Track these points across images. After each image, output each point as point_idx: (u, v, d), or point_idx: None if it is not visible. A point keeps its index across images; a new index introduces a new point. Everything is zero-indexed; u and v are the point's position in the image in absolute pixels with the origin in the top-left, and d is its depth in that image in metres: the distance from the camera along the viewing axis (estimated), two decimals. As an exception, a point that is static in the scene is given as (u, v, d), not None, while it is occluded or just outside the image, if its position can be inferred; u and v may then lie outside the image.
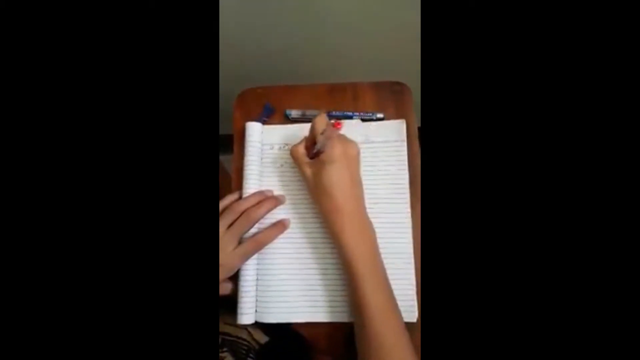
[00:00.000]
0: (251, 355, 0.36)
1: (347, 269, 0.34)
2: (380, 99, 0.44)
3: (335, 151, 0.34)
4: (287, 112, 0.44)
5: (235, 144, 0.43)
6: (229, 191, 0.42)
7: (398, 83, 0.44)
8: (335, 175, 0.34)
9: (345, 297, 0.37)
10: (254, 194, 0.40)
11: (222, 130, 0.45)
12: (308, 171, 0.36)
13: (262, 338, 0.37)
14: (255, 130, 0.42)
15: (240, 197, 0.40)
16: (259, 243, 0.37)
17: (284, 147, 0.43)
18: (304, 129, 0.43)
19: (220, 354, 0.35)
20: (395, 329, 0.31)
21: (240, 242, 0.37)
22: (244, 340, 0.36)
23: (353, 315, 0.34)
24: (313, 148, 0.37)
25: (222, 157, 0.45)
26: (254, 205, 0.38)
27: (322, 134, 0.35)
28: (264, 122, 0.43)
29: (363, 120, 0.43)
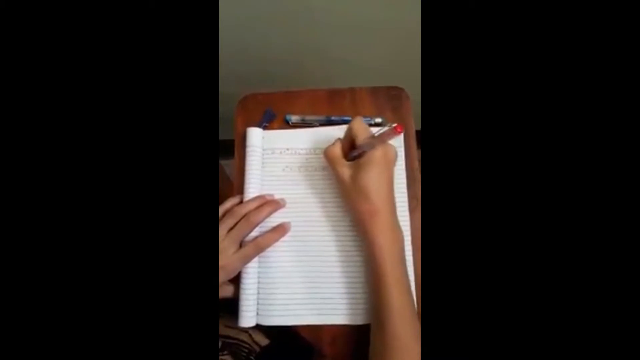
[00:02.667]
0: (252, 358, 0.37)
1: (377, 270, 0.33)
2: (379, 104, 0.44)
3: (376, 154, 0.34)
4: (287, 117, 0.44)
5: (236, 149, 0.44)
6: (231, 195, 0.42)
7: (396, 88, 0.45)
8: (374, 178, 0.34)
9: (346, 300, 0.38)
10: (255, 198, 0.40)
11: (223, 135, 0.45)
12: (346, 172, 0.36)
13: (263, 341, 0.38)
14: (255, 136, 0.43)
15: (241, 201, 0.40)
16: (259, 246, 0.38)
17: (284, 151, 0.43)
18: (304, 134, 0.43)
19: (220, 357, 0.35)
20: (416, 335, 0.31)
21: (241, 245, 0.37)
22: (245, 343, 0.37)
23: (373, 315, 0.34)
24: (352, 150, 0.37)
25: (223, 162, 0.45)
26: (254, 209, 0.38)
27: (363, 137, 0.35)
28: (265, 128, 0.44)
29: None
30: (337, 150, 0.37)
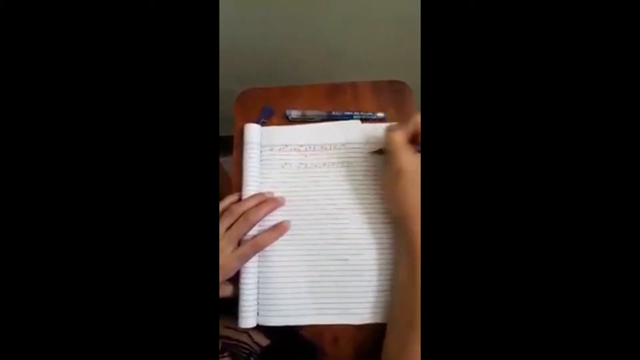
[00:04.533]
0: (252, 358, 0.36)
1: (414, 268, 0.32)
2: (381, 99, 0.44)
3: None
4: (287, 112, 0.43)
5: (235, 145, 0.43)
6: (229, 193, 0.41)
7: (398, 82, 0.44)
8: None
9: (348, 299, 0.37)
10: (254, 196, 0.39)
11: (222, 132, 0.44)
12: (414, 162, 0.34)
13: (264, 341, 0.37)
14: (253, 132, 0.42)
15: (240, 199, 0.40)
16: (258, 245, 0.37)
17: (283, 148, 0.42)
18: (304, 130, 0.43)
19: (220, 359, 0.34)
20: None
21: (239, 244, 0.37)
22: (245, 343, 0.36)
23: (399, 314, 0.33)
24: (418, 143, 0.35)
25: (221, 159, 0.44)
26: (253, 207, 0.38)
27: None
28: (263, 124, 0.43)
29: (363, 120, 0.42)
30: (402, 137, 0.35)
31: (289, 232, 0.39)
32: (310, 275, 0.38)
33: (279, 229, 0.38)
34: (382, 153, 0.39)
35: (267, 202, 0.38)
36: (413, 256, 0.32)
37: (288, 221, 0.39)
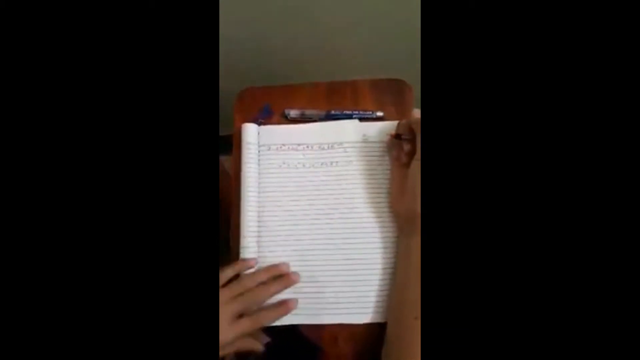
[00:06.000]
0: (253, 358, 0.36)
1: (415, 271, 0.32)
2: (380, 97, 0.43)
3: None
4: (286, 111, 0.43)
5: (234, 145, 0.43)
6: (230, 191, 0.41)
7: (398, 80, 0.44)
8: None
9: (348, 299, 0.37)
10: (268, 269, 0.37)
11: (221, 131, 0.44)
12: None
13: (265, 339, 0.37)
14: (251, 132, 0.42)
15: (252, 265, 0.38)
16: (259, 322, 0.35)
17: (281, 147, 0.42)
18: (303, 129, 0.43)
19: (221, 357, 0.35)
20: None
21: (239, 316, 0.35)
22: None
23: (403, 311, 0.33)
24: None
25: (221, 157, 0.45)
26: (263, 285, 0.36)
27: None
28: (261, 123, 0.43)
29: (362, 119, 0.42)
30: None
31: (287, 232, 0.39)
32: (312, 275, 0.38)
33: (284, 308, 0.36)
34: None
35: (280, 280, 0.37)
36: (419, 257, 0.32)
37: (294, 301, 0.37)
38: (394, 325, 0.34)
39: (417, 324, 0.31)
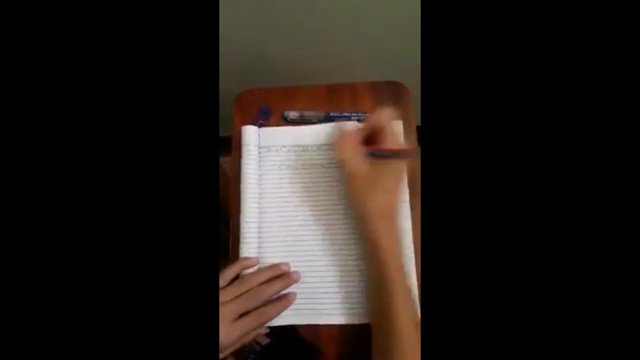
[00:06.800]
0: (252, 356, 0.36)
1: (381, 275, 0.32)
2: (379, 99, 0.44)
3: (411, 164, 0.33)
4: (285, 113, 0.44)
5: (233, 147, 0.43)
6: (229, 193, 0.42)
7: (396, 83, 0.44)
8: (399, 177, 0.33)
9: (344, 299, 0.37)
10: (270, 268, 0.38)
11: (221, 132, 0.45)
12: (361, 168, 0.33)
13: (264, 340, 0.37)
14: (251, 134, 0.42)
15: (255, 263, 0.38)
16: (262, 318, 0.35)
17: (281, 149, 0.42)
18: (302, 131, 0.43)
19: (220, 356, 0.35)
20: (418, 337, 0.31)
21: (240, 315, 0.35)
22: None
23: (375, 318, 0.33)
24: (378, 148, 0.34)
25: (220, 159, 0.45)
26: (265, 283, 0.36)
27: (401, 143, 0.33)
28: (260, 125, 0.43)
29: (361, 121, 0.42)
30: (357, 139, 0.34)
31: (286, 232, 0.39)
32: (309, 276, 0.38)
33: (285, 302, 0.37)
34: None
35: (281, 279, 0.37)
36: (379, 261, 0.32)
37: (294, 294, 0.38)
38: (372, 331, 0.34)
39: (386, 334, 0.31)
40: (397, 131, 0.33)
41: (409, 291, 0.32)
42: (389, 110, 0.34)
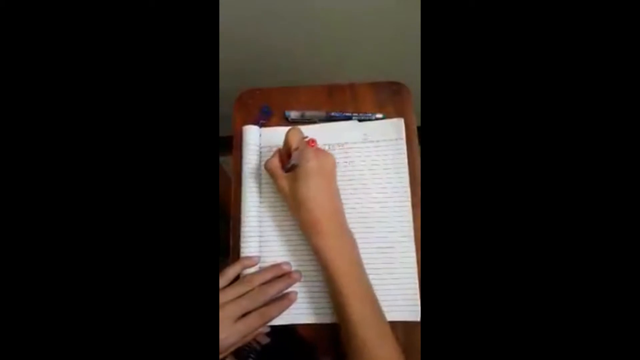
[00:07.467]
0: (252, 356, 0.37)
1: (330, 284, 0.34)
2: (380, 100, 0.44)
3: (310, 165, 0.34)
4: (287, 113, 0.44)
5: (234, 147, 0.43)
6: (229, 193, 0.42)
7: (397, 83, 0.44)
8: (312, 189, 0.34)
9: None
10: (272, 267, 0.38)
11: (221, 132, 0.45)
12: (285, 185, 0.36)
13: (264, 339, 0.37)
14: (252, 134, 0.42)
15: (257, 262, 0.39)
16: (265, 317, 0.35)
17: (282, 149, 0.43)
18: (303, 131, 0.43)
19: (220, 356, 0.35)
20: (382, 339, 0.32)
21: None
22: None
23: (340, 325, 0.34)
24: (287, 161, 0.36)
25: (221, 159, 0.45)
26: (267, 284, 0.36)
27: (296, 148, 0.35)
28: (262, 125, 0.43)
29: (362, 121, 0.43)
30: (276, 162, 0.37)
31: (286, 232, 0.39)
32: (310, 276, 0.38)
33: (287, 301, 0.37)
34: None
35: (282, 279, 0.37)
36: (328, 273, 0.34)
37: (295, 293, 0.38)
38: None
39: (348, 342, 0.32)
40: (293, 140, 0.36)
41: (364, 294, 0.33)
42: (295, 130, 0.36)
